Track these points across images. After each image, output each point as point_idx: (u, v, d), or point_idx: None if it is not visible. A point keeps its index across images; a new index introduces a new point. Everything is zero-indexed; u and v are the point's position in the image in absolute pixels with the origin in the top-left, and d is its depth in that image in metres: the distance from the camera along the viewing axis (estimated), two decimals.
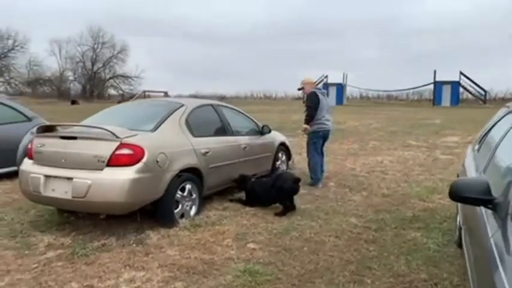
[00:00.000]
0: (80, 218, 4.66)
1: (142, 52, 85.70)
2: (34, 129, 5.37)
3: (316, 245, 3.92)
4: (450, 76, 36.27)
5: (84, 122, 4.96)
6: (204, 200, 5.11)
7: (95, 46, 54.81)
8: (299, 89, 6.90)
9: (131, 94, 48.75)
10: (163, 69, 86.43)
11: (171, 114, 4.74)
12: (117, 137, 3.98)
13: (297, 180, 5.06)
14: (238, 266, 3.42)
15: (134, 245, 3.91)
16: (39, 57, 53.12)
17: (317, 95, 6.42)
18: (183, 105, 4.98)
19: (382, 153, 9.61)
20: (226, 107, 6.04)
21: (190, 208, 4.65)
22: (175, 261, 3.54)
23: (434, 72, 36.69)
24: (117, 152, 3.94)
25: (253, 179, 5.38)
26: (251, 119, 6.33)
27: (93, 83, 55.46)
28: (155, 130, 4.44)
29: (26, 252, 3.78)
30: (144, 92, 46.10)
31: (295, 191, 4.96)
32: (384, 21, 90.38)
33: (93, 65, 55.34)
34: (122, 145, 3.97)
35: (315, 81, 6.98)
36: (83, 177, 3.92)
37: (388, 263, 3.50)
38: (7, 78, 49.49)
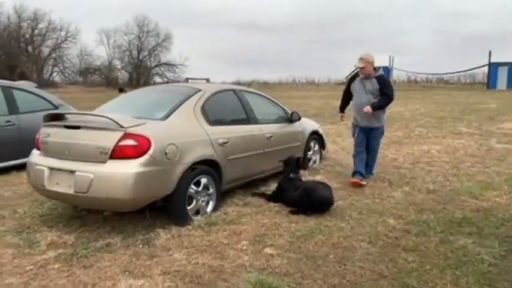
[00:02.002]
0: (92, 212, 4.36)
1: (187, 41, 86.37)
2: None
3: (344, 252, 3.36)
4: (507, 57, 33.71)
5: (96, 110, 4.65)
6: (225, 194, 4.68)
7: (140, 35, 55.86)
8: (360, 68, 5.38)
9: (175, 81, 49.32)
10: (207, 58, 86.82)
11: (186, 100, 4.30)
12: (122, 126, 3.59)
13: (332, 201, 4.37)
14: (249, 277, 2.94)
15: (140, 245, 3.54)
16: (89, 47, 55.21)
17: None
18: (200, 91, 4.52)
19: (429, 141, 8.77)
20: (251, 92, 5.53)
21: (207, 204, 4.22)
22: (181, 268, 3.12)
23: (489, 53, 34.37)
24: (121, 143, 3.56)
25: (291, 175, 4.75)
26: (279, 106, 5.78)
27: (139, 71, 56.67)
28: (166, 118, 4.02)
29: (26, 250, 3.49)
30: (187, 79, 46.32)
31: (324, 210, 4.29)
32: (432, 2, 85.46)
33: (139, 53, 56.51)
34: (126, 135, 3.57)
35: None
36: (85, 171, 3.57)
37: (431, 278, 2.90)
38: (61, 68, 51.77)
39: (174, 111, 4.13)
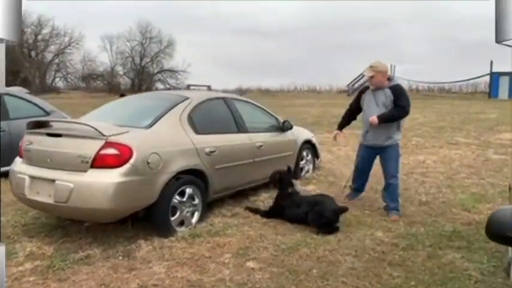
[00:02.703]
0: (76, 222, 4.27)
1: (191, 47, 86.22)
2: None
3: (328, 266, 3.27)
4: (509, 67, 33.56)
5: (84, 117, 4.59)
6: (213, 204, 4.60)
7: (143, 41, 55.96)
8: (368, 77, 4.53)
9: (177, 88, 49.37)
10: (212, 64, 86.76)
11: (172, 108, 4.24)
12: (103, 134, 3.53)
13: (342, 211, 4.17)
14: None
15: (120, 257, 3.46)
16: (92, 53, 55.31)
17: None
18: (187, 99, 4.47)
19: (425, 151, 8.66)
20: (241, 100, 5.46)
21: (192, 215, 4.14)
22: (158, 281, 3.04)
23: (491, 62, 34.19)
24: (102, 152, 3.49)
25: (288, 190, 4.48)
26: (270, 114, 5.71)
27: (142, 77, 56.73)
28: (150, 127, 3.95)
29: None
30: (188, 86, 46.46)
31: (334, 222, 4.07)
32: (433, 9, 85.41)
33: (141, 59, 56.56)
34: (107, 144, 3.51)
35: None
36: (65, 180, 3.50)
37: None
38: (64, 73, 51.93)
39: (160, 119, 4.06)
